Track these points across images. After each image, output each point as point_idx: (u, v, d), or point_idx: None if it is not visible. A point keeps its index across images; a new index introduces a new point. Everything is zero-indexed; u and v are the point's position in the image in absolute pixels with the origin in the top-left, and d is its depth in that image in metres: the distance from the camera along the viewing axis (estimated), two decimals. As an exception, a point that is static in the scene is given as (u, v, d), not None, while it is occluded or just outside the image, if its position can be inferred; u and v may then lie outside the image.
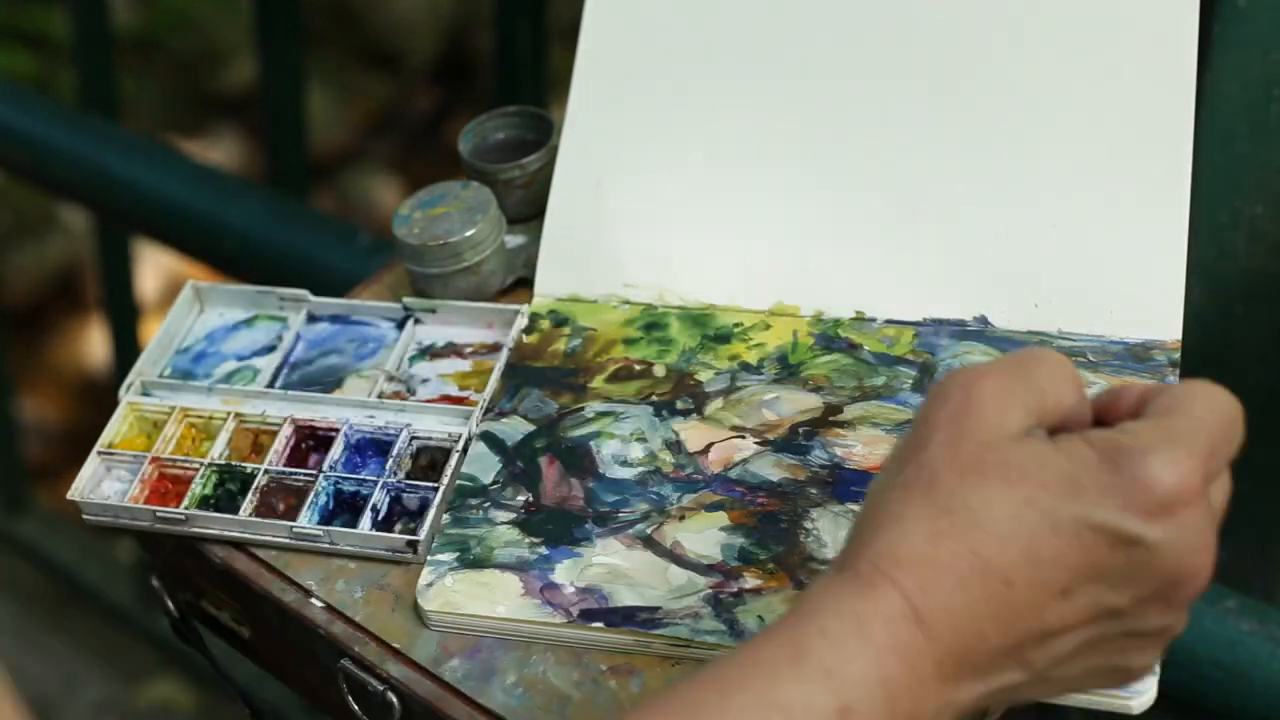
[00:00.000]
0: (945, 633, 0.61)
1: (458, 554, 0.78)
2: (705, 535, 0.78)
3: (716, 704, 0.60)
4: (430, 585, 0.77)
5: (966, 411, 0.64)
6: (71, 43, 1.74)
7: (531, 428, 0.84)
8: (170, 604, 0.88)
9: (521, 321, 0.89)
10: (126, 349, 1.78)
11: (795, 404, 0.83)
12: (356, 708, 0.78)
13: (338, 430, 0.85)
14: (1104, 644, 0.64)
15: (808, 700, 0.59)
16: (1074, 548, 0.62)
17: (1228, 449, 0.65)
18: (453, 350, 0.90)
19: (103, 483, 0.86)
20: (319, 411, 0.86)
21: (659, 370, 0.86)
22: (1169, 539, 0.62)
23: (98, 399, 2.35)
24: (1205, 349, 1.03)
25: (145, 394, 0.89)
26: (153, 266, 2.42)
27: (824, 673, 0.60)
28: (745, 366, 0.86)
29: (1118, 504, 0.62)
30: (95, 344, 2.45)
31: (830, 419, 0.82)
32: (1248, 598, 0.98)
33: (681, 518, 0.79)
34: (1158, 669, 0.70)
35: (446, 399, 0.87)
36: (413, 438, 0.85)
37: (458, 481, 0.82)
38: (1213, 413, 0.65)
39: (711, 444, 0.82)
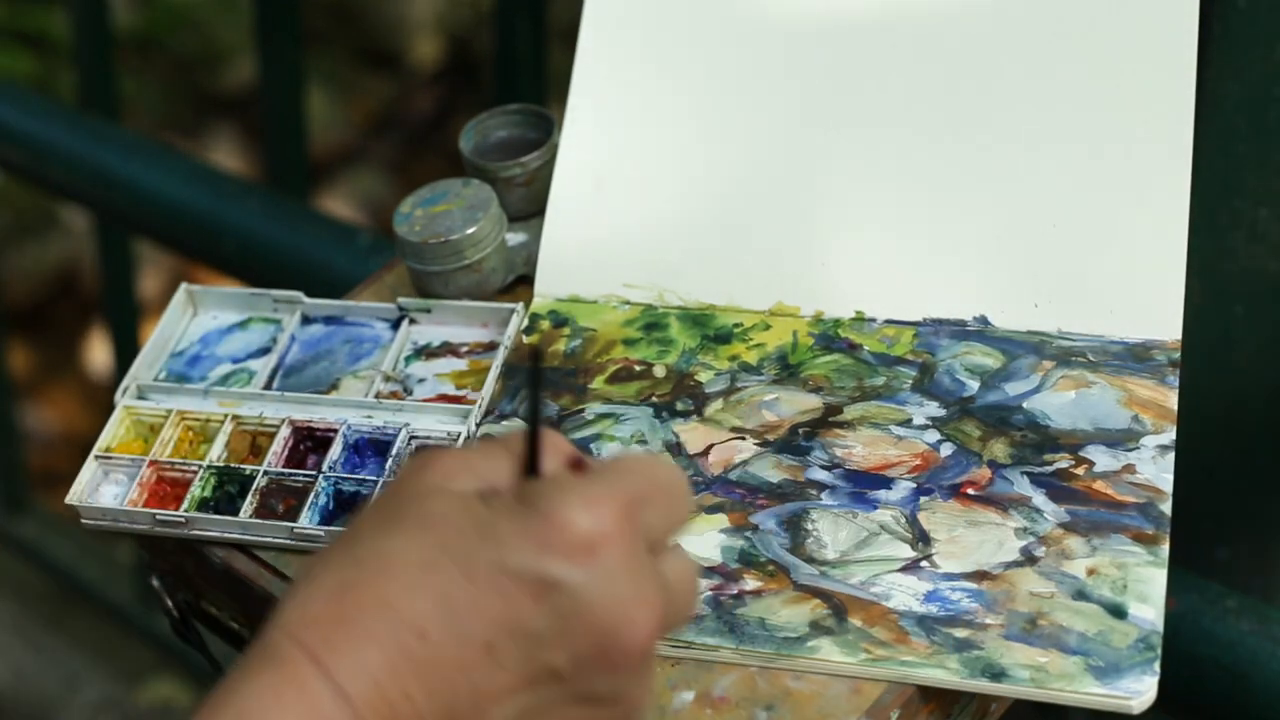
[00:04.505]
0: (363, 692, 0.56)
1: (457, 554, 0.78)
2: (705, 537, 0.78)
3: None
4: (430, 586, 0.77)
5: (410, 474, 0.61)
6: (71, 43, 1.74)
7: (531, 428, 0.84)
8: (170, 604, 0.88)
9: (518, 319, 0.89)
10: (127, 350, 1.77)
11: (795, 404, 0.83)
12: (356, 708, 0.78)
13: (336, 431, 0.85)
14: (552, 712, 0.59)
15: None
16: (492, 596, 0.57)
17: (667, 501, 0.61)
18: (448, 350, 0.90)
19: (101, 486, 0.86)
20: (316, 412, 0.86)
21: (659, 371, 0.86)
22: (591, 581, 0.58)
23: (98, 399, 2.35)
24: (1205, 349, 1.03)
25: (141, 398, 0.89)
26: (153, 266, 2.42)
27: None
28: (745, 367, 0.86)
29: (533, 545, 0.58)
30: (96, 345, 2.45)
31: (830, 419, 0.82)
32: (1248, 598, 0.98)
33: (681, 518, 0.78)
34: (1157, 670, 0.70)
35: (444, 398, 0.87)
36: (411, 437, 0.85)
37: (457, 482, 0.81)
38: (644, 465, 0.61)
39: (712, 445, 0.82)
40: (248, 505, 0.82)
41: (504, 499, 0.59)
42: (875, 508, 0.78)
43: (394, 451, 0.84)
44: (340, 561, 0.59)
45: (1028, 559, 0.75)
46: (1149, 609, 0.72)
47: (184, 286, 0.95)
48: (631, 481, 0.60)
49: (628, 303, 0.90)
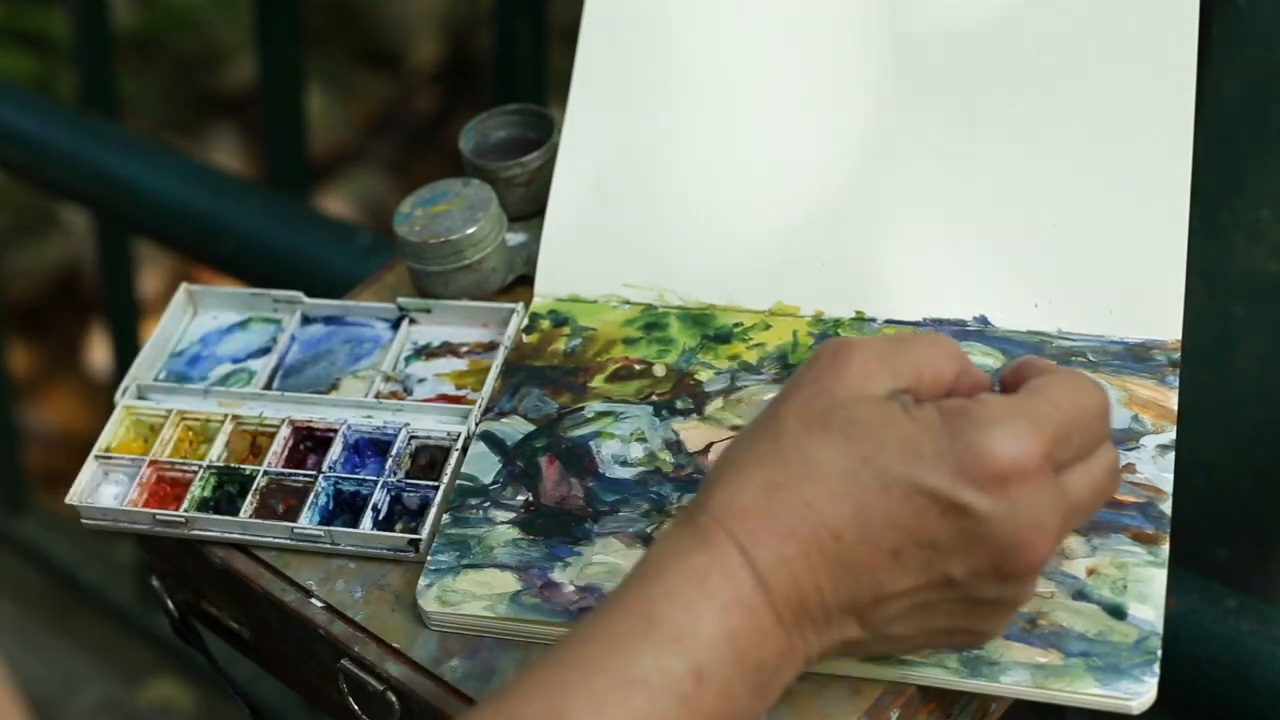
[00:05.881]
0: (780, 583, 0.63)
1: (458, 554, 0.78)
2: (705, 535, 0.77)
3: (579, 685, 0.62)
4: (430, 585, 0.77)
5: (832, 370, 0.66)
6: (71, 43, 1.74)
7: (531, 427, 0.84)
8: (170, 604, 0.88)
9: (518, 319, 0.89)
10: (127, 350, 1.78)
11: (795, 404, 0.83)
12: (356, 708, 0.78)
13: (336, 431, 0.85)
14: (940, 609, 0.66)
15: (664, 669, 0.62)
16: (904, 510, 0.63)
17: (1082, 439, 0.66)
18: (448, 350, 0.90)
19: (101, 486, 0.86)
20: (316, 412, 0.86)
21: (659, 370, 0.86)
22: (998, 511, 0.63)
23: (98, 399, 2.35)
24: (1205, 349, 1.03)
25: (141, 398, 0.89)
26: (153, 266, 2.42)
27: (674, 638, 0.62)
28: (745, 366, 0.86)
29: (950, 470, 0.63)
30: (96, 345, 2.45)
31: (830, 419, 0.82)
32: (1248, 597, 0.98)
33: (681, 518, 0.78)
34: (1157, 670, 0.70)
35: (444, 398, 0.87)
36: (411, 437, 0.85)
37: (458, 482, 0.82)
38: (1072, 399, 0.65)
39: (711, 444, 0.82)
40: (248, 505, 0.82)
41: (928, 413, 0.65)
42: (875, 507, 0.78)
43: (394, 451, 0.84)
44: (769, 459, 0.65)
45: (1028, 559, 0.75)
46: (1149, 609, 0.72)
47: (184, 286, 0.95)
48: (1058, 418, 0.65)
49: (628, 302, 0.90)
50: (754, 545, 0.63)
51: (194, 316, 0.95)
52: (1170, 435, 0.79)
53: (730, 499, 0.65)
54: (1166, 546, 0.75)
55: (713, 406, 0.84)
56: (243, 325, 0.94)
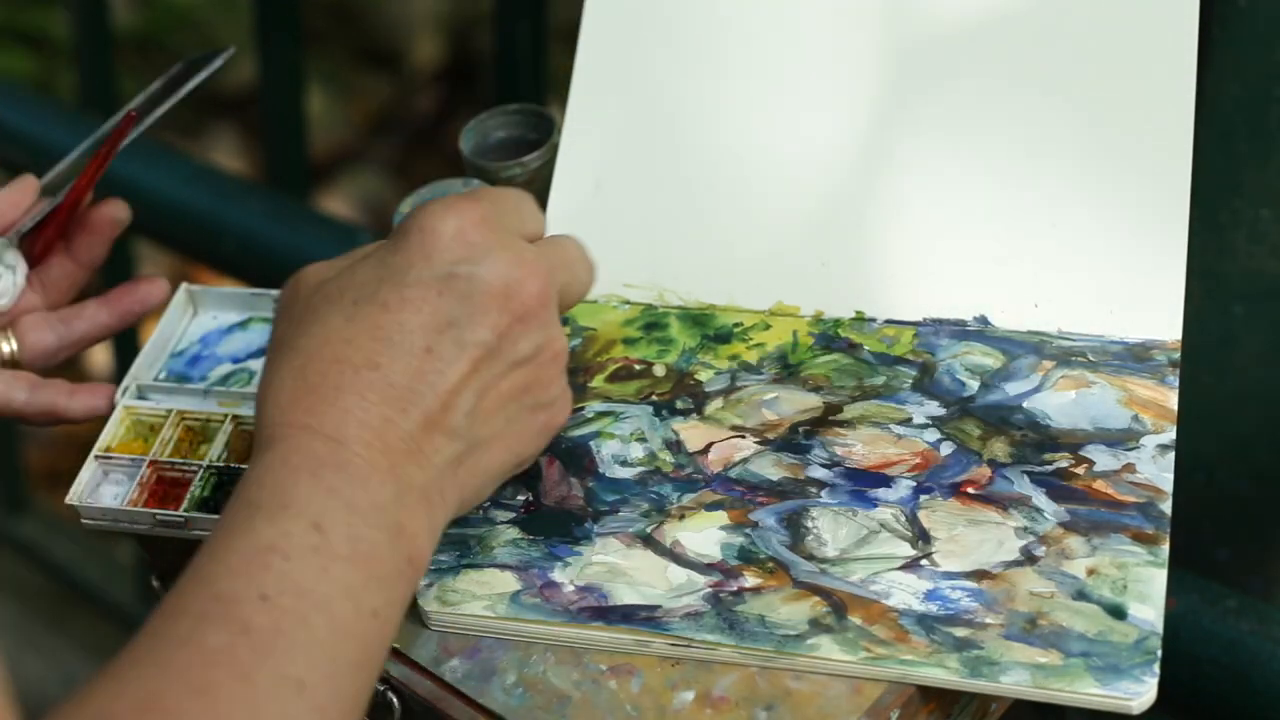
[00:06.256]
0: (353, 433, 0.68)
1: (458, 553, 0.78)
2: (705, 534, 0.78)
3: (220, 567, 0.65)
4: (430, 585, 0.77)
5: (289, 292, 0.74)
6: (71, 43, 1.74)
7: (531, 428, 0.84)
8: (170, 604, 0.88)
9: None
10: (127, 350, 1.78)
11: (795, 404, 0.83)
12: (356, 708, 0.78)
13: (337, 430, 0.85)
14: (499, 387, 0.72)
15: (284, 532, 0.65)
16: (409, 311, 0.71)
17: (511, 208, 0.76)
18: (452, 350, 0.90)
19: (100, 486, 0.86)
20: (318, 411, 0.86)
21: (659, 370, 0.86)
22: (474, 263, 0.72)
23: (98, 399, 2.34)
24: (1205, 349, 1.03)
25: (141, 398, 0.89)
26: (153, 266, 2.42)
27: (281, 507, 0.66)
28: (745, 366, 0.86)
29: (418, 257, 0.72)
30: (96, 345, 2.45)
31: (830, 418, 0.82)
32: (1248, 598, 0.98)
33: (681, 517, 0.79)
34: (1157, 670, 0.70)
35: (446, 399, 0.87)
36: (412, 438, 0.84)
37: (457, 481, 0.82)
38: (493, 191, 0.77)
39: (711, 444, 0.82)
40: (248, 505, 0.82)
41: (375, 245, 0.74)
42: (875, 506, 0.78)
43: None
44: (285, 356, 0.71)
45: (1028, 558, 0.75)
46: (1149, 609, 0.72)
47: (184, 286, 0.95)
48: (475, 194, 0.74)
49: (628, 302, 0.90)
50: (311, 418, 0.69)
51: (194, 316, 0.95)
52: (1170, 435, 0.79)
53: (275, 402, 0.70)
54: (1166, 546, 0.75)
55: (713, 406, 0.84)
56: (243, 325, 0.94)
